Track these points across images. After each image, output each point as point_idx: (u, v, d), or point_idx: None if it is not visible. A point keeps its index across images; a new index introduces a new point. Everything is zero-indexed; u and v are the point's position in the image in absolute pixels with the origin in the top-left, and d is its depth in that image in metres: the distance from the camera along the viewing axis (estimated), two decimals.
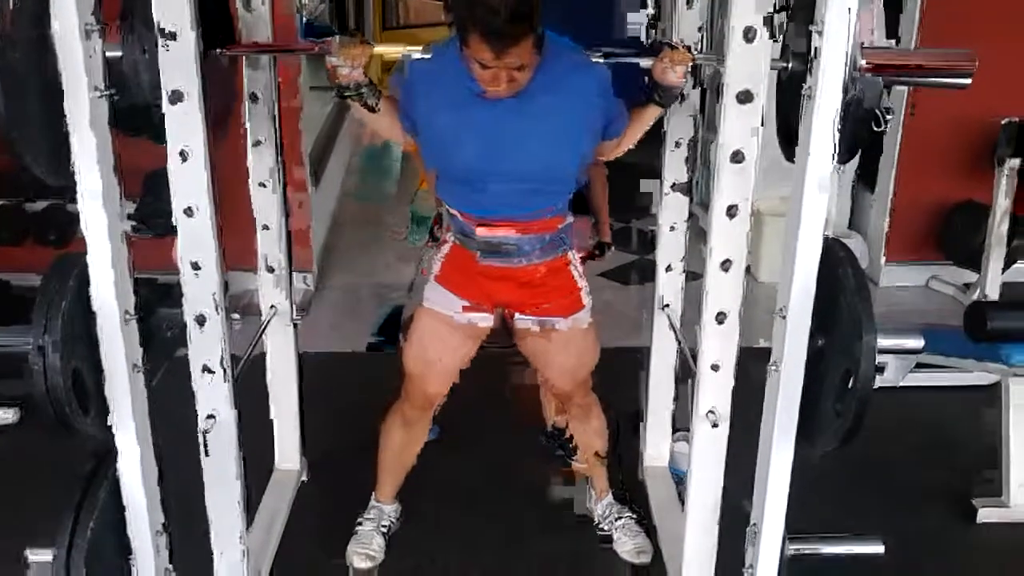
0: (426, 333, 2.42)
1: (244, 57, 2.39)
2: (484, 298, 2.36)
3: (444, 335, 2.40)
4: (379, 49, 2.15)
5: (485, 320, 2.39)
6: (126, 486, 1.77)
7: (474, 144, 2.14)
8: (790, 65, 1.87)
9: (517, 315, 2.39)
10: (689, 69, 2.11)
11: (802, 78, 1.67)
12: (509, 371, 2.78)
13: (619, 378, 2.79)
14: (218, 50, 1.96)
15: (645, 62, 2.15)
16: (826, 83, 1.53)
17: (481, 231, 2.26)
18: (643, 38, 7.22)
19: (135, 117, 1.76)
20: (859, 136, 1.75)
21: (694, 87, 2.44)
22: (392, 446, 2.58)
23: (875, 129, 1.71)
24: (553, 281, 2.35)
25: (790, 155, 1.74)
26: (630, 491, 2.74)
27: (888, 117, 1.72)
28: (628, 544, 2.61)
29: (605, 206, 2.68)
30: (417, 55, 2.12)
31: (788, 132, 1.84)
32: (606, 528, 2.67)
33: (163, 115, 1.76)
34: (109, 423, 1.75)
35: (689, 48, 2.23)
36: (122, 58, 1.71)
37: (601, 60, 2.16)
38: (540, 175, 2.21)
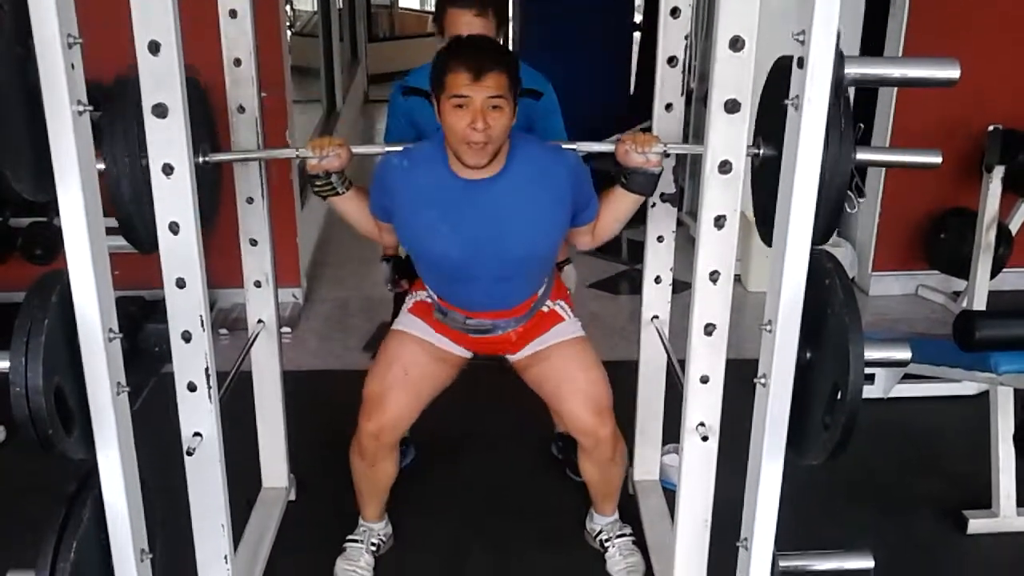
0: (394, 349, 2.44)
1: (227, 75, 2.39)
2: (461, 341, 2.45)
3: (415, 350, 2.43)
4: (357, 149, 2.25)
5: (460, 351, 2.45)
6: (109, 508, 1.74)
7: (453, 238, 2.21)
8: (762, 151, 1.90)
9: (507, 357, 2.48)
10: (659, 154, 2.16)
11: (775, 163, 1.70)
12: (502, 383, 2.76)
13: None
14: (201, 159, 1.97)
15: (608, 147, 2.22)
16: (814, 91, 1.52)
17: (458, 315, 2.37)
18: (635, 50, 7.28)
19: None
20: (833, 218, 1.76)
21: (681, 94, 2.44)
22: (359, 477, 2.52)
23: (848, 211, 1.75)
24: (530, 324, 2.43)
25: (767, 238, 1.76)
26: (620, 504, 2.71)
27: (860, 200, 1.76)
28: (621, 563, 2.58)
29: None
30: (391, 148, 2.26)
31: (765, 215, 1.85)
32: (604, 543, 2.64)
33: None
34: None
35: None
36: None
37: (571, 147, 2.26)
38: (519, 265, 2.30)
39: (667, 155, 2.19)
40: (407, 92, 2.68)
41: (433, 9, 2.23)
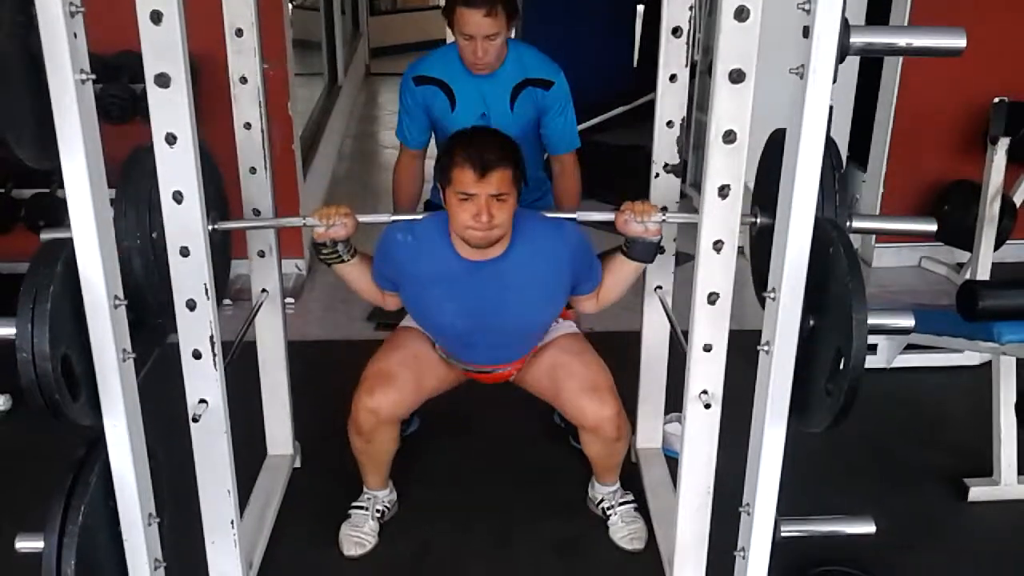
0: (403, 338, 2.51)
1: (228, 45, 2.38)
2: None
3: (425, 344, 2.50)
4: (363, 218, 2.29)
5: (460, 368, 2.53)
6: (116, 474, 1.76)
7: (458, 313, 2.31)
8: (758, 220, 1.96)
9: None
10: (658, 223, 2.21)
11: (770, 231, 1.72)
12: None
13: (611, 361, 2.78)
14: (211, 226, 2.00)
15: (608, 216, 2.26)
16: (819, 61, 1.51)
17: (458, 362, 2.49)
18: (639, 26, 7.24)
19: None
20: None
21: (685, 65, 2.43)
22: (358, 451, 2.54)
23: None
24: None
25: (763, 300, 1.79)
26: (623, 473, 2.73)
27: None
28: (623, 530, 2.60)
29: None
30: (397, 218, 2.33)
31: (761, 282, 1.87)
32: (606, 511, 2.66)
33: None
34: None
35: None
36: None
37: (571, 217, 2.32)
38: (520, 334, 2.43)
39: (665, 221, 2.25)
40: (419, 81, 2.65)
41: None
